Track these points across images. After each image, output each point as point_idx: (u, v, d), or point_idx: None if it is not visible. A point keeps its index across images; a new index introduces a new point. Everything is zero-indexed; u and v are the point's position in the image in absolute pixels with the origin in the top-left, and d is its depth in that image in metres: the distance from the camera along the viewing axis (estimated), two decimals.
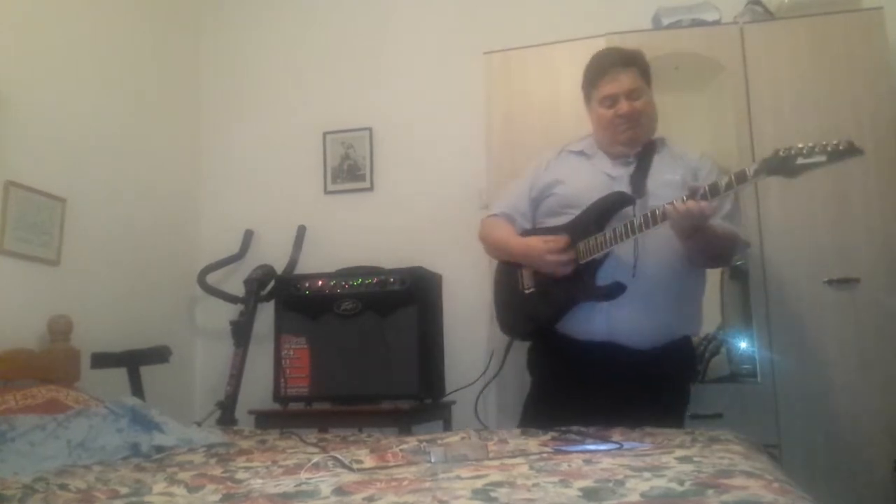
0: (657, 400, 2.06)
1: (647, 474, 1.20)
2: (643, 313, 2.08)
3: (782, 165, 1.76)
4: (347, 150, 3.66)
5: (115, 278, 3.14)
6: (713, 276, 2.80)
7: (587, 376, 2.11)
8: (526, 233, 2.30)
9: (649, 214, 1.99)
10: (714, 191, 1.89)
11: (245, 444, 2.05)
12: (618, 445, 1.60)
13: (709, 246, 2.06)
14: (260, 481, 1.36)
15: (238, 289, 3.38)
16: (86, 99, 3.09)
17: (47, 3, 2.95)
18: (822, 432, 2.59)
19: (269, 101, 3.80)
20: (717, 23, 2.94)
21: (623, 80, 2.19)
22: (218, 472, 1.54)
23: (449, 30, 3.59)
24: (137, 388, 2.77)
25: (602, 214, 2.12)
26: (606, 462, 1.37)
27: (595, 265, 2.11)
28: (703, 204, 1.87)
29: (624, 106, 2.18)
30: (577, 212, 2.17)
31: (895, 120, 2.70)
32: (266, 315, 3.27)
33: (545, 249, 2.14)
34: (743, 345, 2.80)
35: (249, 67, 3.87)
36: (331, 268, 3.20)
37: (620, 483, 1.15)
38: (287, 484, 1.29)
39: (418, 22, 3.66)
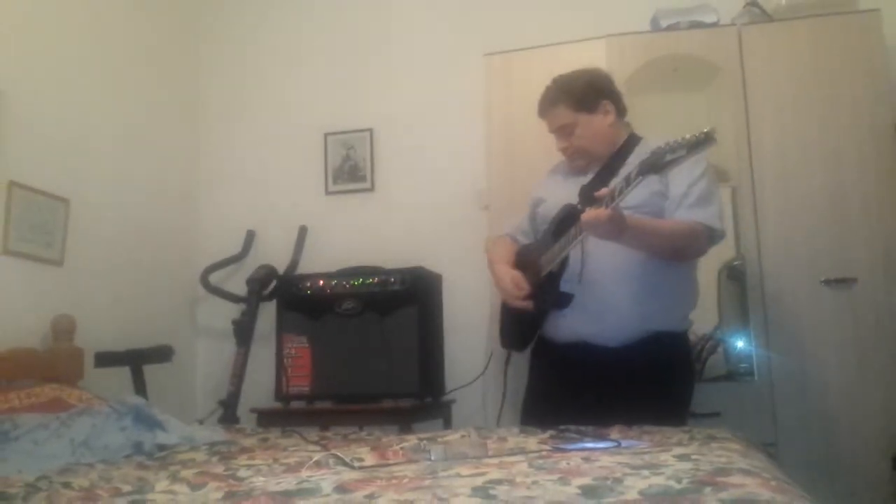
0: (641, 397, 2.08)
1: (645, 472, 1.21)
2: (600, 313, 2.16)
3: (654, 164, 1.79)
4: (348, 150, 3.67)
5: (118, 278, 3.15)
6: (710, 275, 2.82)
7: (571, 375, 2.19)
8: (524, 248, 2.42)
9: (576, 226, 2.06)
10: (611, 196, 1.92)
11: (247, 442, 2.05)
12: (616, 444, 1.61)
13: (648, 244, 2.10)
14: (262, 479, 1.37)
15: (240, 289, 3.39)
16: (88, 99, 3.10)
17: (49, 3, 2.96)
18: (818, 431, 2.60)
19: (271, 101, 3.81)
20: (715, 25, 2.94)
21: (551, 120, 2.32)
22: (220, 470, 1.54)
23: (449, 31, 3.59)
24: (140, 387, 2.78)
25: (557, 228, 2.21)
26: (605, 460, 1.37)
27: (557, 275, 2.20)
28: (599, 211, 1.89)
29: (558, 143, 2.32)
30: None
31: (893, 121, 2.71)
32: (268, 315, 3.28)
33: (507, 287, 2.26)
34: (740, 344, 2.81)
35: (251, 68, 3.87)
36: (332, 268, 3.21)
37: (619, 481, 1.15)
38: (289, 482, 1.30)
39: (419, 23, 3.67)
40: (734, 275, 2.82)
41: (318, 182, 3.67)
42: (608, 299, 2.15)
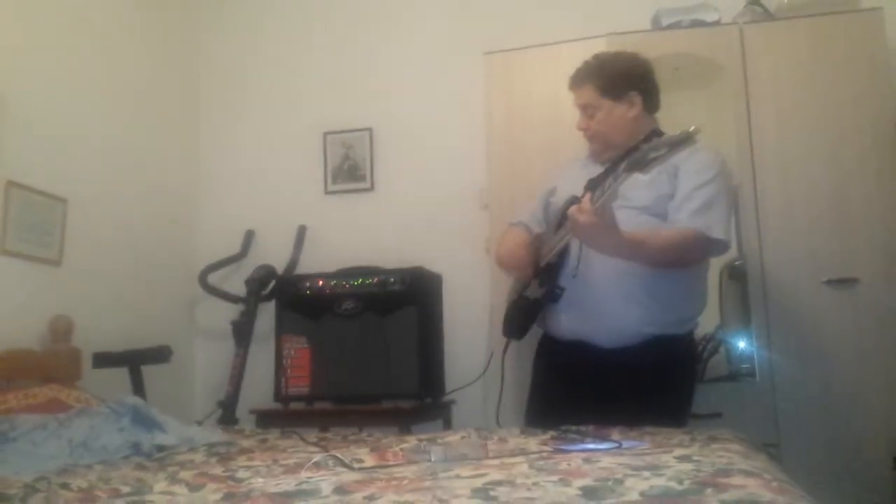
0: (640, 401, 2.06)
1: (646, 473, 1.21)
2: (594, 313, 2.12)
3: (637, 162, 1.74)
4: (348, 150, 3.66)
5: (116, 278, 3.15)
6: (712, 275, 2.81)
7: (571, 375, 2.17)
8: (536, 237, 2.35)
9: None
10: (600, 192, 1.86)
11: (246, 443, 2.05)
12: (617, 444, 1.61)
13: (631, 257, 2.03)
14: (261, 480, 1.37)
15: (239, 289, 3.39)
16: (86, 99, 3.10)
17: (48, 4, 2.96)
18: (820, 431, 2.60)
19: (270, 101, 3.81)
20: (716, 23, 2.94)
21: (577, 96, 2.28)
22: (219, 471, 1.54)
23: (449, 30, 3.60)
24: (139, 388, 2.78)
25: (560, 219, 2.15)
26: (606, 461, 1.37)
27: (556, 268, 2.17)
28: (582, 205, 1.84)
29: (579, 121, 2.28)
30: None
31: (894, 120, 2.70)
32: (267, 315, 3.28)
33: (512, 249, 2.25)
34: (742, 344, 2.81)
35: (250, 67, 3.88)
36: (331, 268, 3.21)
37: (619, 482, 1.15)
38: (288, 483, 1.30)
39: (419, 22, 3.67)
40: (736, 275, 2.81)
41: (317, 181, 3.68)
42: (601, 299, 2.11)
